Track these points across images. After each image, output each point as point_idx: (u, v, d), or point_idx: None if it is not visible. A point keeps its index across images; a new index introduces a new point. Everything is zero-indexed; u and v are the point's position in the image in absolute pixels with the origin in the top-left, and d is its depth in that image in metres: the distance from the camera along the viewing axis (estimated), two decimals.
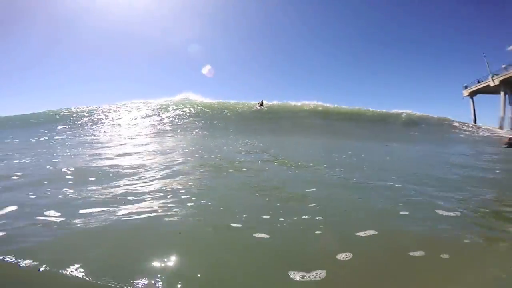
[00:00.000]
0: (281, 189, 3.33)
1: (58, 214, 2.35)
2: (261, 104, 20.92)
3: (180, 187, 3.18)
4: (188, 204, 2.60)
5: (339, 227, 2.29)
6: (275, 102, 22.31)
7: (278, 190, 3.30)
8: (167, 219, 2.27)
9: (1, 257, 1.61)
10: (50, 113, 17.93)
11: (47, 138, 10.28)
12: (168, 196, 2.86)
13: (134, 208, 2.51)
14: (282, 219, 2.36)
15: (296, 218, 2.39)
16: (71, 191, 3.14)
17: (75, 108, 19.04)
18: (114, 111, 18.28)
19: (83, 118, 16.28)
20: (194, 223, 2.26)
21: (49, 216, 2.31)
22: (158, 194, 2.91)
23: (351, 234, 2.10)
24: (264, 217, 2.38)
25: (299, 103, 21.78)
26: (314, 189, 3.32)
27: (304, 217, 2.40)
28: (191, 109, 18.11)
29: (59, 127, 13.86)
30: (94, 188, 3.23)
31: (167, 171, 4.11)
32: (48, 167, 4.49)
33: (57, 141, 10.17)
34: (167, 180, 3.51)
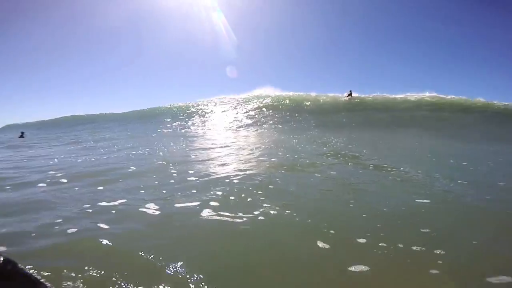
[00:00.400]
0: (381, 202, 2.84)
1: (157, 207, 2.65)
2: (350, 95, 19.28)
3: (261, 191, 3.11)
4: (272, 212, 2.49)
5: (466, 267, 1.73)
6: (365, 95, 20.07)
7: (377, 203, 2.83)
8: (248, 229, 2.22)
9: (103, 241, 1.89)
10: (157, 109, 21.59)
11: (155, 135, 12.29)
12: (248, 200, 2.84)
13: (218, 210, 2.59)
14: (383, 244, 1.96)
15: (402, 246, 1.95)
16: (172, 181, 3.62)
17: (171, 104, 22.29)
18: (204, 105, 20.46)
19: (180, 113, 18.87)
20: (277, 237, 2.12)
21: (149, 209, 2.63)
22: (241, 197, 2.93)
23: (481, 279, 1.57)
24: (360, 240, 2.04)
25: (401, 95, 18.86)
26: (426, 208, 2.69)
27: (415, 248, 1.93)
28: (273, 102, 18.36)
29: (164, 121, 16.51)
30: (191, 179, 3.62)
31: (252, 171, 4.17)
32: (155, 160, 5.26)
33: (163, 134, 12.10)
34: (251, 183, 3.51)
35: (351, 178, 3.81)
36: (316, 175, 3.88)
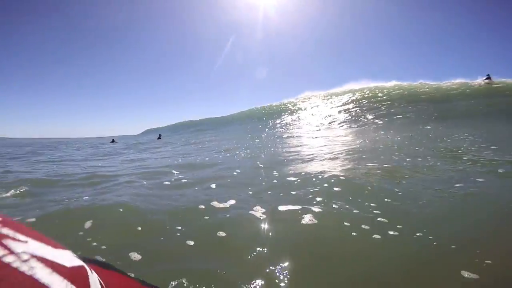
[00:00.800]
0: None
1: (263, 210, 2.68)
2: (488, 78, 15.15)
3: (374, 204, 2.67)
4: (391, 232, 2.09)
5: None
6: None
7: None
8: (362, 248, 1.92)
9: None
10: (251, 111, 23.03)
11: (253, 135, 13.10)
12: (355, 211, 2.49)
13: (320, 217, 2.39)
14: None
15: None
16: (274, 182, 3.70)
17: (264, 105, 23.23)
18: (293, 104, 20.38)
19: (273, 113, 19.44)
20: (402, 264, 1.72)
21: (256, 212, 2.68)
22: (346, 207, 2.62)
23: None
24: None
25: None
26: None
27: None
28: (372, 94, 16.42)
29: (260, 122, 17.42)
30: (290, 180, 3.57)
31: (356, 177, 3.74)
32: (257, 162, 5.46)
33: (261, 134, 12.75)
34: (358, 192, 3.12)
35: (507, 193, 2.83)
36: (457, 185, 3.06)
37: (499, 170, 3.65)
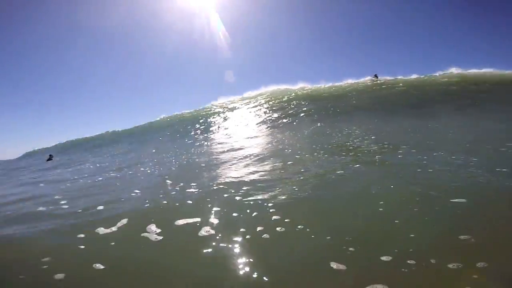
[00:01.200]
0: (413, 210, 2.53)
1: (158, 230, 2.55)
2: (376, 77, 18.92)
3: (272, 203, 2.92)
4: (278, 229, 2.29)
5: None
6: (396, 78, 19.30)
7: (408, 211, 2.52)
8: (252, 249, 2.05)
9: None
10: (158, 122, 21.75)
11: (160, 146, 12.41)
12: (254, 215, 2.66)
13: (218, 228, 2.44)
14: (412, 262, 1.71)
15: (434, 261, 1.70)
16: (174, 195, 3.58)
17: (173, 114, 22.27)
18: (208, 110, 20.43)
19: (182, 123, 18.81)
20: (279, 260, 1.90)
21: (149, 232, 2.53)
22: (246, 212, 2.76)
23: None
24: (383, 258, 1.79)
25: (436, 74, 18.30)
26: (463, 210, 2.37)
27: (449, 261, 1.67)
28: (282, 97, 17.90)
29: (169, 133, 16.67)
30: (190, 192, 3.47)
31: (259, 180, 3.98)
32: (165, 176, 5.20)
33: (166, 147, 12.20)
34: (258, 196, 3.33)
35: (375, 181, 3.41)
36: (337, 172, 3.57)
37: (375, 163, 4.43)
